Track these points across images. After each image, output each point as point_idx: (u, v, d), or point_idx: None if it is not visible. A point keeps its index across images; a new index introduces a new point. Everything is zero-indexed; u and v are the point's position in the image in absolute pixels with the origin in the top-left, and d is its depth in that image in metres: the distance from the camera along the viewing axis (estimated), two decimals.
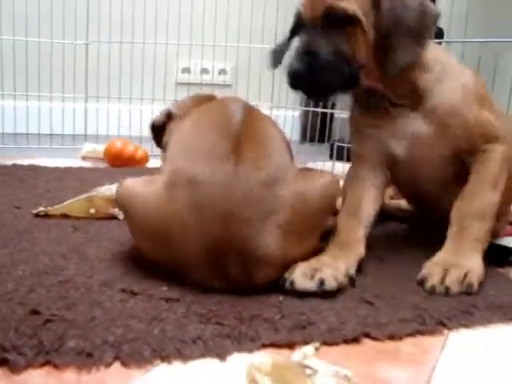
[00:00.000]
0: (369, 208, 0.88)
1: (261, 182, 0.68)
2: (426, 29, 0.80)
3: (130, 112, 2.10)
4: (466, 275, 0.77)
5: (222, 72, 2.60)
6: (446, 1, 1.68)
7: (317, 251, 0.77)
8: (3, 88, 1.98)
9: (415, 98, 0.84)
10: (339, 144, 1.75)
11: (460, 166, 0.88)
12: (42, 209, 1.02)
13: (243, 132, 0.71)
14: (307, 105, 2.22)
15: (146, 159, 1.62)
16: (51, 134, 2.22)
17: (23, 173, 1.41)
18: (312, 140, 2.33)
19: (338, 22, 0.78)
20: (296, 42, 0.82)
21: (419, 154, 0.87)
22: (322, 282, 0.70)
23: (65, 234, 0.91)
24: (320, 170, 0.80)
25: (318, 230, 0.76)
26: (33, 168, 1.49)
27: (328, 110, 2.06)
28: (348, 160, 1.76)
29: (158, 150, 1.03)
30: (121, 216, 0.97)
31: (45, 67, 2.08)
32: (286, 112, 2.10)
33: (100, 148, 1.69)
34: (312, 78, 0.78)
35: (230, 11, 2.07)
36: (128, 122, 2.10)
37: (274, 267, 0.69)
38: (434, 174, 0.90)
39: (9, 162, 1.62)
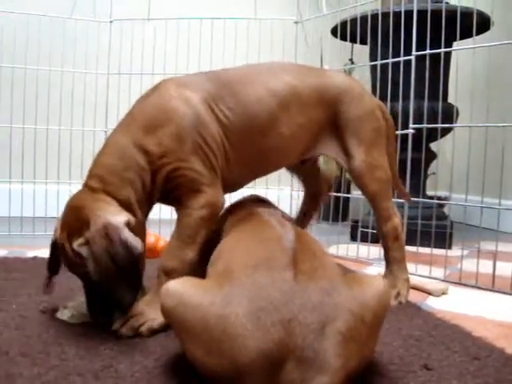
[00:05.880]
0: None
1: (319, 290, 0.70)
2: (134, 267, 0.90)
3: None
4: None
5: None
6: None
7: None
8: (11, 175, 2.00)
9: None
10: (362, 229, 1.73)
11: None
12: (67, 314, 0.99)
13: (296, 247, 0.78)
14: None
15: None
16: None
17: (43, 268, 1.38)
18: (328, 219, 2.31)
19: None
20: None
21: None
22: None
23: (95, 346, 0.87)
24: (367, 274, 0.83)
25: (376, 337, 0.73)
26: None
27: (342, 194, 1.95)
28: (373, 242, 1.73)
29: None
30: None
31: (64, 154, 2.10)
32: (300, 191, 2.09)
33: None
34: None
35: None
36: None
37: (332, 377, 0.65)
38: None
39: (29, 254, 1.60)
